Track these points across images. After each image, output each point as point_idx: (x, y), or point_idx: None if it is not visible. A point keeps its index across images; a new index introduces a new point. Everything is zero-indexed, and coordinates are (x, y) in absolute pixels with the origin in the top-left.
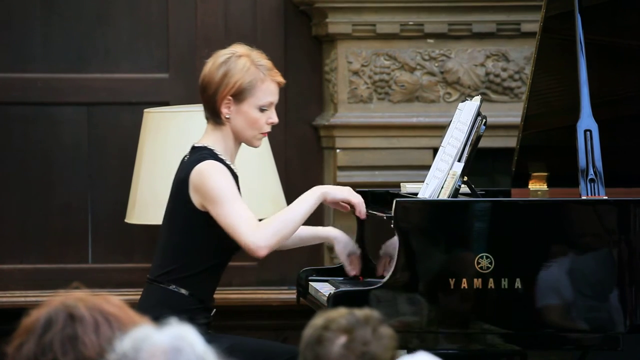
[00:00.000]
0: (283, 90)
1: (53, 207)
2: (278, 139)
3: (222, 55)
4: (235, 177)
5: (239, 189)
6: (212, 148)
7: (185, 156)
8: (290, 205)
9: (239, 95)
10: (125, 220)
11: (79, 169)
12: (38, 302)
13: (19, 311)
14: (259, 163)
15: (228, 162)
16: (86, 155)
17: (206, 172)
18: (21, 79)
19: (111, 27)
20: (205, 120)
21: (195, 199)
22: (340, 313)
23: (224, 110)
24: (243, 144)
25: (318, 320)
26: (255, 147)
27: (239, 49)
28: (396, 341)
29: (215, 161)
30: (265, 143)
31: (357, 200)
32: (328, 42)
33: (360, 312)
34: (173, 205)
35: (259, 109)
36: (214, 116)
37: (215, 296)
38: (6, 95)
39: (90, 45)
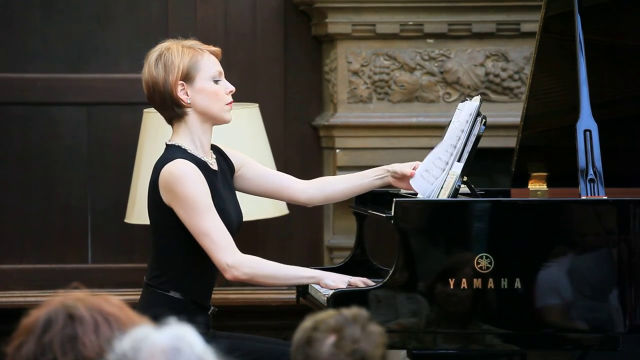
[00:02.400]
0: (283, 90)
1: (53, 207)
2: (278, 139)
3: (152, 54)
4: (212, 171)
5: (222, 181)
6: (181, 145)
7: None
8: (289, 267)
9: (188, 76)
10: (125, 220)
11: (79, 169)
12: (38, 302)
13: (19, 311)
14: (258, 163)
15: (201, 157)
16: (86, 155)
17: (176, 174)
18: (21, 79)
19: (111, 27)
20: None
21: (166, 199)
22: (329, 314)
23: (183, 97)
24: (242, 145)
25: (307, 322)
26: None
27: (163, 43)
28: (386, 338)
29: (184, 160)
30: (265, 143)
31: (352, 283)
32: (328, 42)
33: (348, 312)
34: (150, 207)
35: (212, 80)
36: (176, 109)
37: (215, 296)
38: (6, 95)
39: (90, 45)
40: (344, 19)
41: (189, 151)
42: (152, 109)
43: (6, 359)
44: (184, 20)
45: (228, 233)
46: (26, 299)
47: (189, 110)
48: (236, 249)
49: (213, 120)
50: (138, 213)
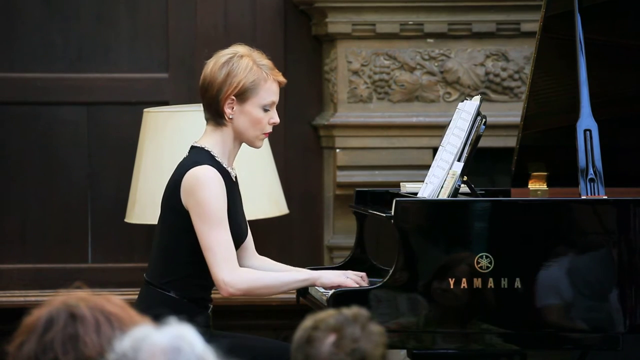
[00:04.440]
0: (283, 90)
1: (53, 206)
2: (278, 138)
3: (223, 55)
4: (233, 181)
5: (238, 192)
6: (210, 150)
7: (185, 157)
8: (283, 275)
9: (242, 95)
10: (125, 220)
11: (79, 168)
12: (38, 302)
13: (19, 311)
14: (259, 163)
15: (225, 166)
16: (86, 155)
17: (201, 179)
18: (21, 79)
19: (111, 27)
20: (205, 121)
21: (185, 201)
22: (329, 313)
23: (227, 111)
24: (243, 145)
25: (307, 322)
26: (257, 147)
27: (240, 49)
28: (386, 337)
29: (212, 167)
30: (265, 143)
31: (349, 282)
32: (328, 41)
33: (349, 311)
34: (165, 206)
35: (262, 108)
36: (216, 117)
37: (215, 296)
38: (6, 95)
39: (90, 45)
40: (344, 19)
41: (216, 158)
42: (152, 109)
43: (7, 358)
44: (184, 20)
45: (232, 248)
46: (26, 299)
47: (228, 123)
48: (235, 264)
49: (244, 142)
50: (138, 213)
